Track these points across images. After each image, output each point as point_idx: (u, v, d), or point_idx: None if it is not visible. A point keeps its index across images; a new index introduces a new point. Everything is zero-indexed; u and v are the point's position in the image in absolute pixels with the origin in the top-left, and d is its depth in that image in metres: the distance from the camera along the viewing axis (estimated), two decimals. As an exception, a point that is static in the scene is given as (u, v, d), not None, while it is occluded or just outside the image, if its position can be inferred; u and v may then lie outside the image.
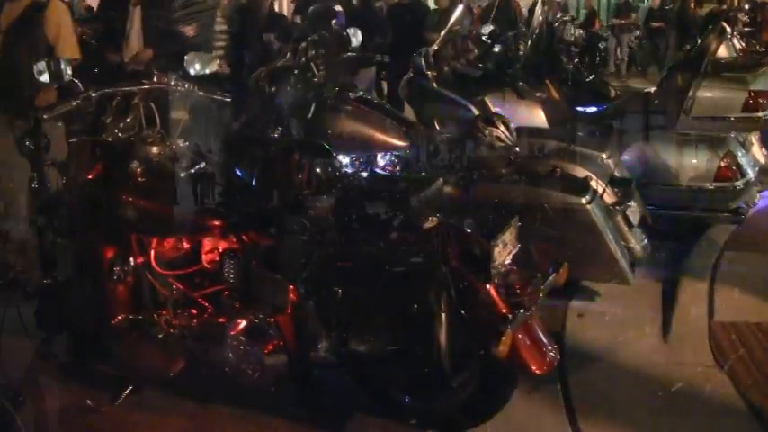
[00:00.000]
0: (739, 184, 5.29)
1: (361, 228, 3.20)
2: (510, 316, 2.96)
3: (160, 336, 3.61)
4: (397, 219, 3.12)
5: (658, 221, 5.62)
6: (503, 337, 2.84)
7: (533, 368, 3.04)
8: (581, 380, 3.84)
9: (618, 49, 17.95)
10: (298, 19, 10.13)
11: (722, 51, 6.49)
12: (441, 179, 3.34)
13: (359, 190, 3.35)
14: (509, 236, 3.18)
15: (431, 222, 3.18)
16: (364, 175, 4.60)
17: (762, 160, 6.08)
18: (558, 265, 3.34)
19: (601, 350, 4.15)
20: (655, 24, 17.53)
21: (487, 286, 3.01)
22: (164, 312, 3.62)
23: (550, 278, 3.28)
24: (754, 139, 6.03)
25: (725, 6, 13.05)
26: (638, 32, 18.27)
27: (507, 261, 3.15)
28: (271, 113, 5.04)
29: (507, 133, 4.61)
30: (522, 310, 3.01)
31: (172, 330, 3.59)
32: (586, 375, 3.88)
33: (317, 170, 3.36)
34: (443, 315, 2.90)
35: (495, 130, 4.59)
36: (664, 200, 5.40)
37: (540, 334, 3.14)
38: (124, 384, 3.64)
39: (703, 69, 5.36)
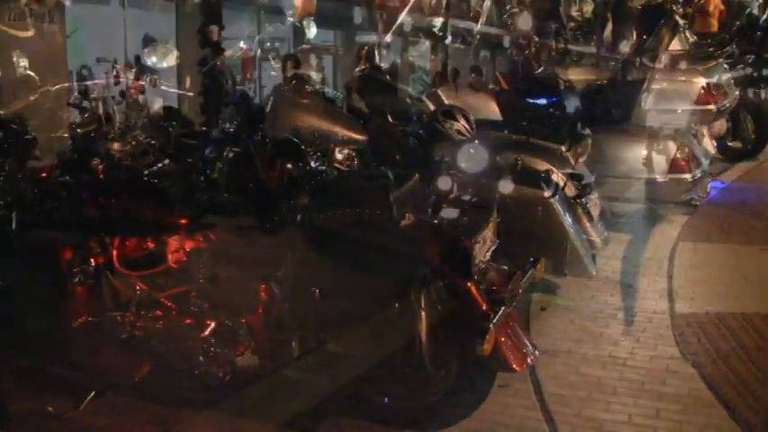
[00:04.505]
0: (692, 175, 5.37)
1: (335, 224, 3.12)
2: (491, 314, 2.93)
3: (123, 338, 3.49)
4: (374, 215, 3.04)
5: (615, 214, 5.72)
6: (486, 336, 2.80)
7: (514, 366, 3.02)
8: (550, 374, 3.83)
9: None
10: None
11: (675, 44, 6.60)
12: (416, 175, 3.27)
13: (333, 186, 3.27)
14: (488, 232, 3.16)
15: (407, 219, 3.14)
16: (336, 171, 4.51)
17: (712, 152, 6.20)
18: (535, 260, 3.33)
19: (566, 344, 4.16)
20: None
21: (468, 284, 2.97)
22: (127, 314, 3.49)
23: (528, 274, 3.26)
24: (704, 131, 6.14)
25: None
26: None
27: (486, 257, 3.12)
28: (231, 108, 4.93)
29: (468, 126, 4.59)
30: (503, 308, 2.98)
31: (136, 332, 3.47)
32: (555, 369, 3.88)
33: (289, 166, 3.27)
34: (423, 313, 2.84)
35: (456, 123, 4.57)
36: (619, 192, 5.45)
37: (519, 331, 3.12)
38: (86, 389, 3.51)
39: (657, 63, 5.41)
